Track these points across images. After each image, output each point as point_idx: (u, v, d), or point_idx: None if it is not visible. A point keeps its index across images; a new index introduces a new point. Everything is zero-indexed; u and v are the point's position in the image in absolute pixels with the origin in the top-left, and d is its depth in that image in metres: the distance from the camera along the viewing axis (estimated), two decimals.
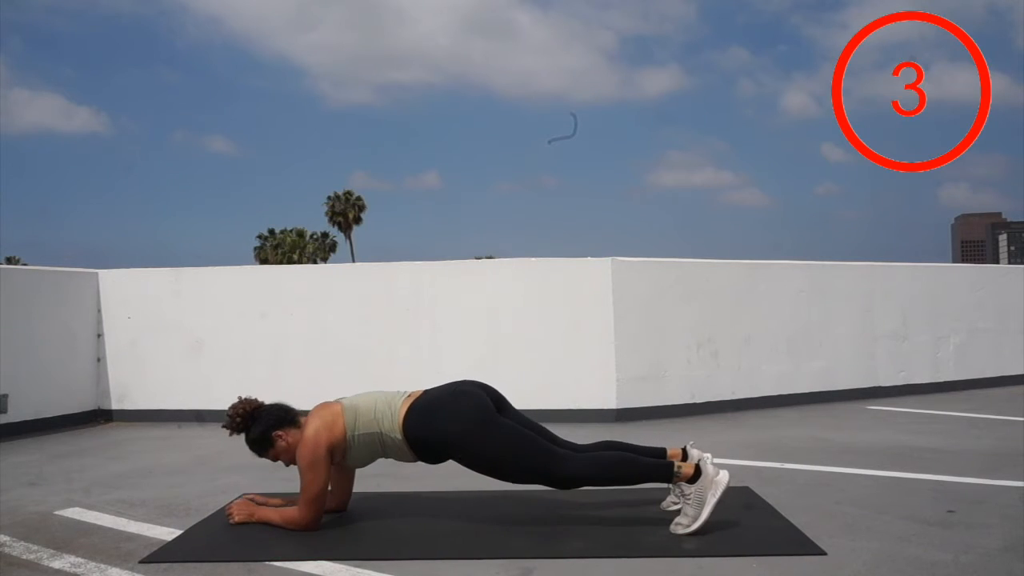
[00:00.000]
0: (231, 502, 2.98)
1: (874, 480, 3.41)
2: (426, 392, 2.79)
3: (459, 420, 2.67)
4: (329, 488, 2.78)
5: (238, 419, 2.79)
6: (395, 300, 5.52)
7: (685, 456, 2.85)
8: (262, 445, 2.80)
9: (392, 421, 2.70)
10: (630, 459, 2.72)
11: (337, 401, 2.79)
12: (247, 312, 5.60)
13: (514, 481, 2.72)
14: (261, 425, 2.78)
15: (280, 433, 2.77)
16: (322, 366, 5.38)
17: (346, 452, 2.75)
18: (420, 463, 2.81)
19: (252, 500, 2.95)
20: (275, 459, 2.83)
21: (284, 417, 2.81)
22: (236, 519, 2.80)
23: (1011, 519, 2.74)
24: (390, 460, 2.84)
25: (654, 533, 2.61)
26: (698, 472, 2.60)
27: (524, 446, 2.67)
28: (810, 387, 5.93)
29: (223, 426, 2.82)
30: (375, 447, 2.75)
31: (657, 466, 2.68)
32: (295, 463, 2.75)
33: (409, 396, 2.77)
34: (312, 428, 2.69)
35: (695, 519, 2.57)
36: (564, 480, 2.68)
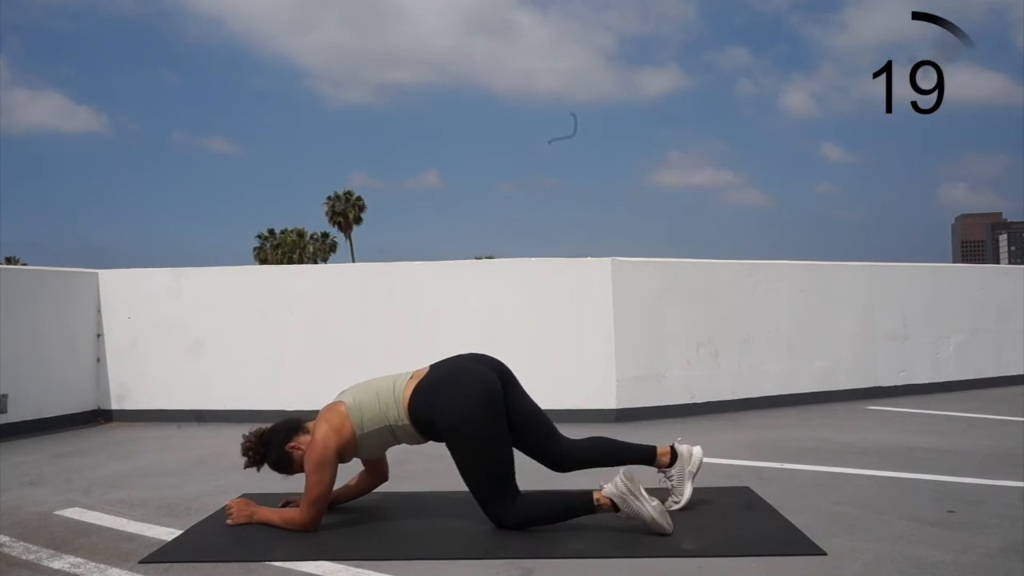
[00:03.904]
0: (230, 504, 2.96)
1: (874, 480, 3.41)
2: (432, 368, 2.79)
3: (462, 404, 2.65)
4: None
5: (251, 452, 2.81)
6: (395, 300, 5.53)
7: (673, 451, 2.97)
8: (285, 464, 2.81)
9: (398, 409, 2.71)
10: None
11: (340, 401, 2.78)
12: (247, 312, 5.60)
13: (468, 486, 2.69)
14: (274, 447, 2.80)
15: (293, 445, 2.78)
16: (322, 366, 5.38)
17: (357, 449, 2.76)
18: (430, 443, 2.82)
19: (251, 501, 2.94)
20: (302, 470, 2.78)
21: (292, 428, 2.82)
22: (234, 520, 2.80)
23: (1011, 519, 2.74)
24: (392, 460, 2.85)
25: (654, 533, 2.61)
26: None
27: (495, 466, 2.65)
28: (810, 387, 5.93)
29: (244, 467, 2.84)
30: (386, 438, 2.77)
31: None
32: None
33: (413, 377, 2.77)
34: (321, 432, 2.69)
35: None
36: (496, 522, 2.68)
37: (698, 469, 2.90)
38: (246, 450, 2.82)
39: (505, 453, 2.69)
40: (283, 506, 2.91)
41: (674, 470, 2.89)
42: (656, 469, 2.92)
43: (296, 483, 2.92)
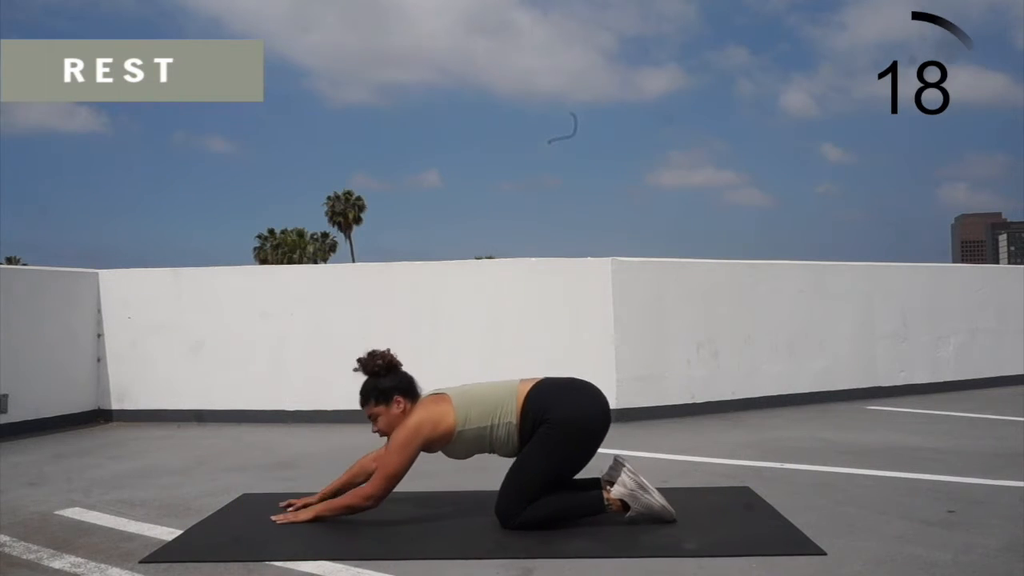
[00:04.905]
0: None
1: (874, 480, 3.41)
2: (547, 378, 2.84)
3: (584, 406, 2.76)
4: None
5: (378, 364, 2.82)
6: (395, 300, 5.52)
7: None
8: (380, 396, 2.79)
9: (512, 402, 2.73)
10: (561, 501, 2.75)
11: (446, 397, 2.78)
12: (247, 312, 5.59)
13: (512, 476, 2.73)
14: (393, 380, 2.81)
15: (400, 399, 2.79)
16: (322, 366, 5.37)
17: (448, 446, 2.77)
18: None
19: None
20: (375, 416, 2.81)
21: (411, 388, 2.84)
22: (291, 519, 2.79)
23: (1011, 519, 2.74)
24: None
25: (654, 533, 2.62)
26: (626, 505, 2.71)
27: (561, 468, 2.74)
28: (810, 387, 5.93)
29: (355, 368, 2.83)
30: (480, 439, 2.76)
31: (590, 499, 2.75)
32: (384, 433, 2.78)
33: (525, 381, 2.81)
34: (417, 417, 2.72)
35: (664, 514, 2.69)
36: (505, 520, 2.71)
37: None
38: (372, 356, 2.83)
39: (577, 463, 2.77)
40: (283, 506, 2.92)
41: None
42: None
43: (296, 484, 2.94)
